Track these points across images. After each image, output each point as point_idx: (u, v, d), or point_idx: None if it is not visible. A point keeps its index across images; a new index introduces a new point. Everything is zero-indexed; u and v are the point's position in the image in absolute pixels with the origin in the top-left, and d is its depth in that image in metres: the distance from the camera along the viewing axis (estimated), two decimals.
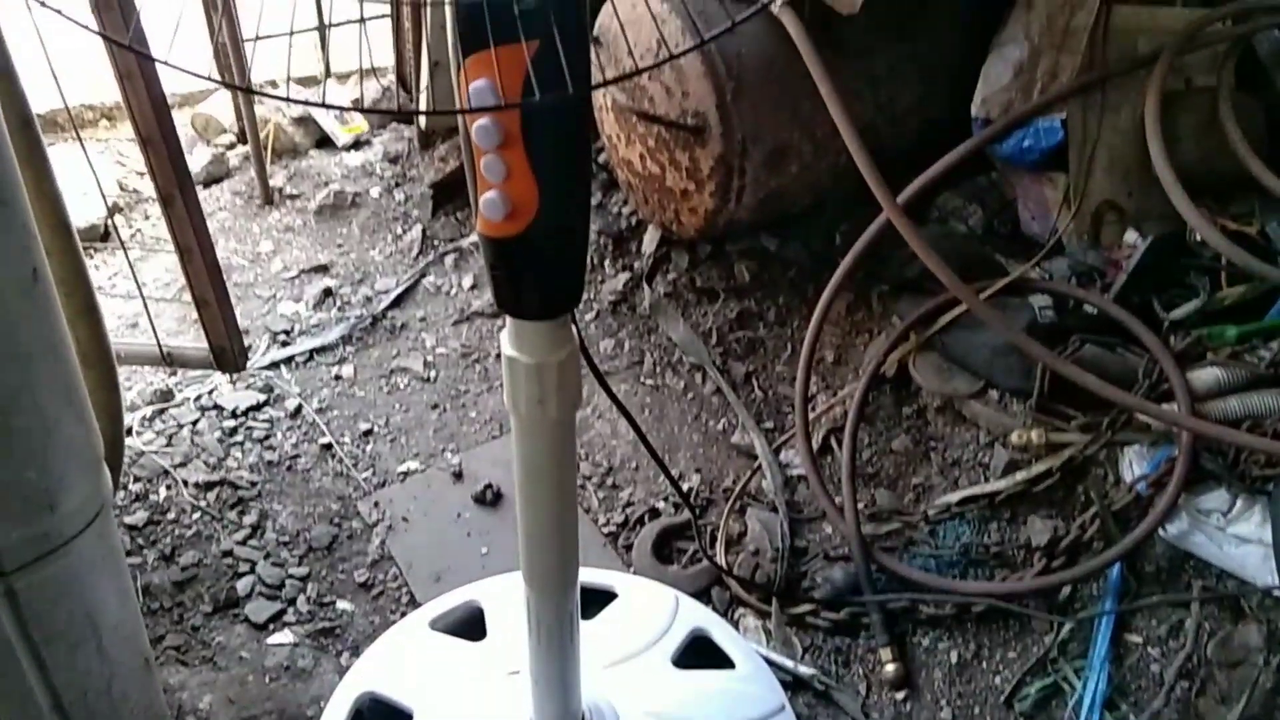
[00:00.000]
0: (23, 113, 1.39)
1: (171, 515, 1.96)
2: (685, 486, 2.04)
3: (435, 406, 2.25)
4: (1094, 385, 1.76)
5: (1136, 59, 2.06)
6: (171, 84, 1.76)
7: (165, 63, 0.78)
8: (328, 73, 3.21)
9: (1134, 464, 1.83)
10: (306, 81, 3.13)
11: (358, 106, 3.08)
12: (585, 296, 2.44)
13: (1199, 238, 1.96)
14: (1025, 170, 2.21)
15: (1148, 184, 2.00)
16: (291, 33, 0.84)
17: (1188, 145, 2.03)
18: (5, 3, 1.37)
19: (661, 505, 2.00)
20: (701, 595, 1.84)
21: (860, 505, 1.92)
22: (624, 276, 2.48)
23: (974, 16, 2.24)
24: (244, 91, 2.76)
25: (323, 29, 3.10)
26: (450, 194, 2.81)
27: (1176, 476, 1.73)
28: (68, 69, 1.70)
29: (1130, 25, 2.09)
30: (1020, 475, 1.89)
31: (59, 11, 0.78)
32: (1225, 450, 1.77)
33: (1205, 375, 1.80)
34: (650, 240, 2.52)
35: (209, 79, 1.02)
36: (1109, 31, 2.06)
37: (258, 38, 0.86)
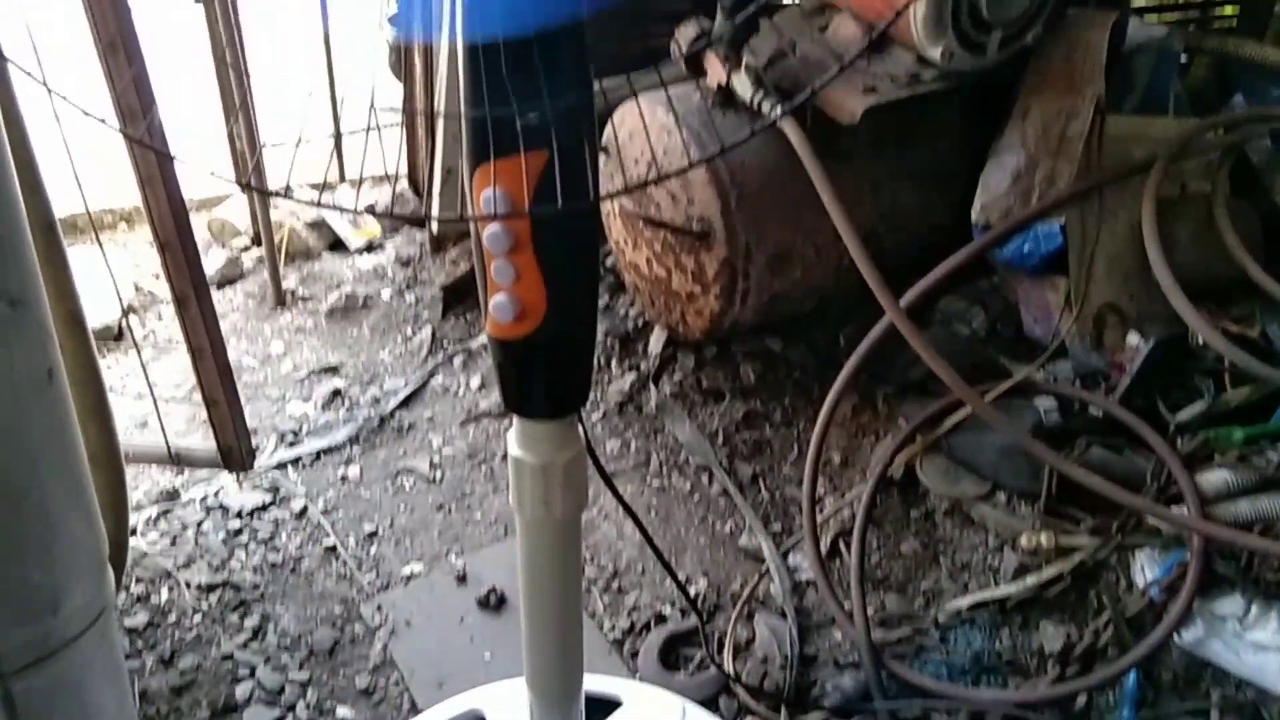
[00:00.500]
0: (45, 217, 1.43)
1: (172, 618, 1.94)
2: (692, 591, 2.02)
3: (440, 507, 2.24)
4: (1102, 488, 1.75)
5: (1131, 166, 2.10)
6: (189, 189, 1.81)
7: (187, 161, 0.81)
8: (341, 177, 3.30)
9: (1146, 568, 1.81)
10: (321, 188, 3.21)
11: (383, 211, 3.15)
12: (591, 397, 2.46)
13: (1201, 340, 1.97)
14: (1026, 274, 2.24)
15: (1148, 287, 2.03)
16: (297, 142, 0.87)
17: (1185, 249, 2.06)
18: (32, 109, 1.43)
19: (668, 610, 1.97)
20: (709, 703, 1.80)
21: (870, 610, 1.89)
22: (630, 377, 2.50)
23: (971, 125, 2.31)
24: (277, 195, 2.83)
25: (338, 136, 3.20)
26: (460, 296, 2.85)
27: (1190, 581, 1.71)
28: (89, 173, 1.76)
29: (1124, 134, 2.15)
30: (1031, 579, 1.86)
31: (102, 121, 0.81)
32: (1238, 554, 1.74)
33: (1214, 478, 1.80)
34: (656, 341, 2.54)
35: (244, 185, 1.06)
36: (1103, 140, 2.12)
37: (294, 144, 0.89)
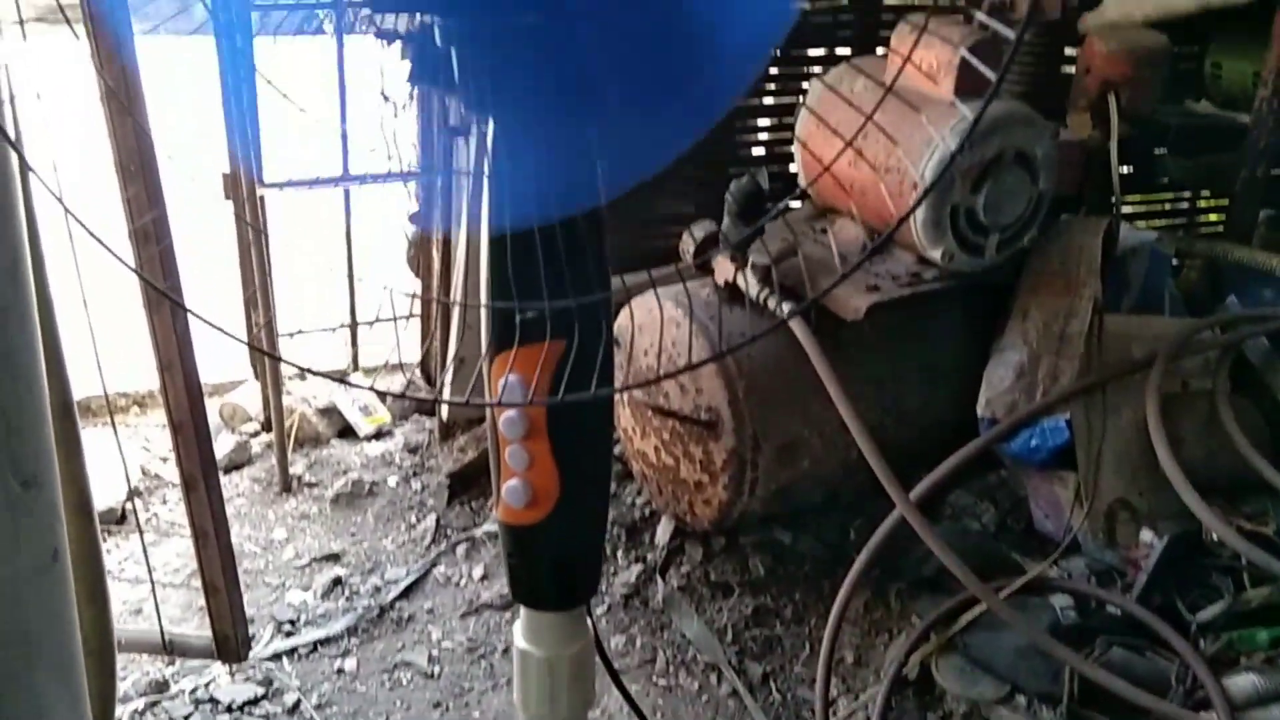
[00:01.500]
0: (65, 399, 1.45)
1: None
2: None
3: (438, 705, 2.16)
4: (1127, 692, 1.69)
5: (1133, 363, 2.14)
6: (204, 374, 1.85)
7: (230, 334, 0.83)
8: (355, 366, 3.36)
9: None
10: (334, 375, 3.27)
11: (400, 392, 3.19)
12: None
13: (1216, 537, 1.95)
14: (1035, 469, 2.24)
15: (1157, 483, 2.02)
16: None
17: (1192, 445, 2.07)
18: (59, 291, 1.48)
19: None
20: None
21: None
22: (637, 568, 2.46)
23: (973, 322, 2.36)
24: (305, 371, 2.87)
25: (354, 325, 3.28)
26: (467, 484, 2.84)
27: None
28: (105, 356, 1.80)
29: (1123, 332, 2.20)
30: None
31: (165, 293, 0.83)
32: None
33: (1242, 682, 1.73)
34: (664, 531, 2.51)
35: (272, 356, 1.08)
36: (1103, 338, 2.17)
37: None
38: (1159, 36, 2.65)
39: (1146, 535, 2.04)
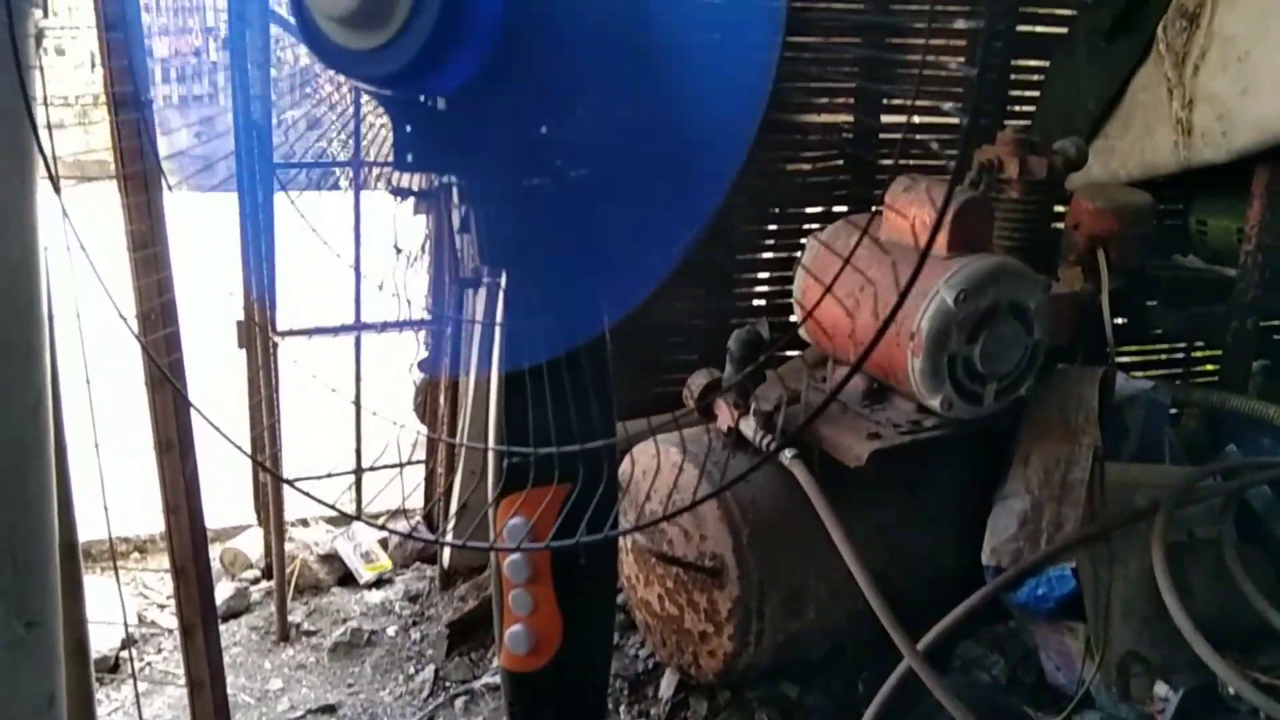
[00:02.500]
0: (71, 540, 1.46)
1: None
2: None
3: None
4: None
5: (1135, 512, 2.14)
6: (207, 518, 1.86)
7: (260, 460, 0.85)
8: (359, 514, 3.35)
9: None
10: (336, 521, 3.26)
11: (406, 533, 3.17)
12: None
13: (1232, 690, 1.90)
14: (1043, 619, 2.21)
15: (1168, 634, 1.99)
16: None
17: (1201, 595, 2.04)
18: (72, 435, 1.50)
19: None
20: None
21: None
22: None
23: (975, 469, 2.37)
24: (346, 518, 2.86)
25: (359, 471, 3.29)
26: (466, 633, 2.79)
27: None
28: (110, 502, 1.81)
29: (1125, 480, 2.21)
30: None
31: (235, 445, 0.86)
32: None
33: None
34: (668, 684, 2.45)
35: (289, 482, 1.09)
36: (1105, 486, 2.17)
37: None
38: (1143, 194, 2.75)
39: (1161, 689, 1.99)
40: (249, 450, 2.66)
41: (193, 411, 1.83)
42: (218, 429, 0.93)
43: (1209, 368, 3.47)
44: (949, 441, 2.28)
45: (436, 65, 0.93)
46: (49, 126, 1.51)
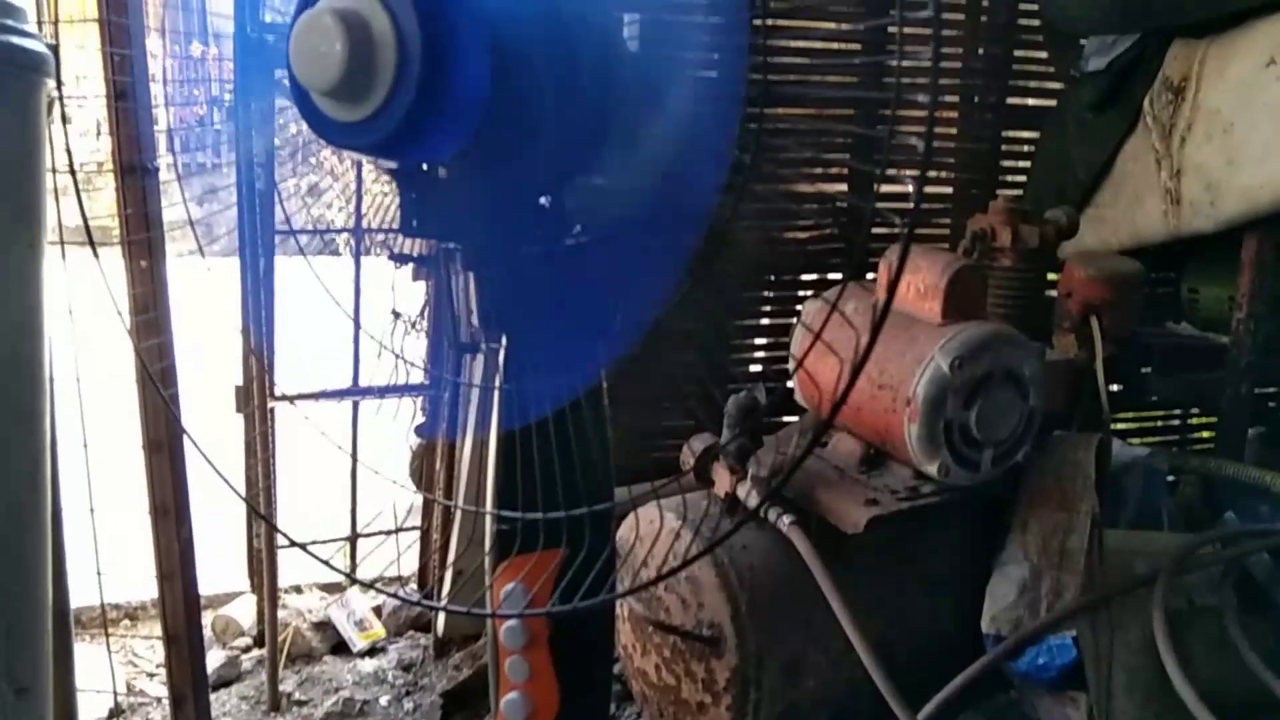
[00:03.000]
0: (63, 607, 1.44)
1: None
2: None
3: None
4: None
5: (1135, 580, 2.13)
6: (200, 585, 1.85)
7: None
8: (352, 580, 3.32)
9: None
10: (331, 588, 3.23)
11: (405, 598, 3.14)
12: None
13: None
14: (1045, 689, 2.18)
15: (1173, 706, 1.96)
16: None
17: (1203, 664, 2.02)
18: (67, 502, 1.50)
19: None
20: None
21: None
22: None
23: (974, 534, 2.36)
24: (353, 583, 2.84)
25: (354, 538, 3.27)
26: (461, 703, 2.75)
27: None
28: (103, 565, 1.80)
29: (1124, 547, 2.20)
30: None
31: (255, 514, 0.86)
32: None
33: None
34: None
35: (301, 545, 1.09)
36: (1104, 553, 2.16)
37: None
38: (1134, 263, 2.79)
39: None
40: (260, 508, 2.65)
41: (188, 477, 1.83)
42: (234, 489, 0.93)
43: (1205, 434, 3.48)
44: (947, 508, 2.28)
45: (420, 137, 0.96)
46: (55, 192, 1.54)
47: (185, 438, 1.79)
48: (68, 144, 1.36)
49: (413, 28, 0.92)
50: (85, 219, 1.24)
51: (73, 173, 1.31)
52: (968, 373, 2.14)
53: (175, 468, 1.75)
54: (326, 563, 0.97)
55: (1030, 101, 3.40)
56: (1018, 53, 3.31)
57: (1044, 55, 3.34)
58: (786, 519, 2.12)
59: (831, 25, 3.15)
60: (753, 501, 2.17)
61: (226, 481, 0.96)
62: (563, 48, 1.00)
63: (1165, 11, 2.81)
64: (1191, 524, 2.67)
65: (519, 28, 0.98)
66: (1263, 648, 2.03)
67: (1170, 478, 2.86)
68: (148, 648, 3.02)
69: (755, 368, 3.19)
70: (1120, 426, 3.37)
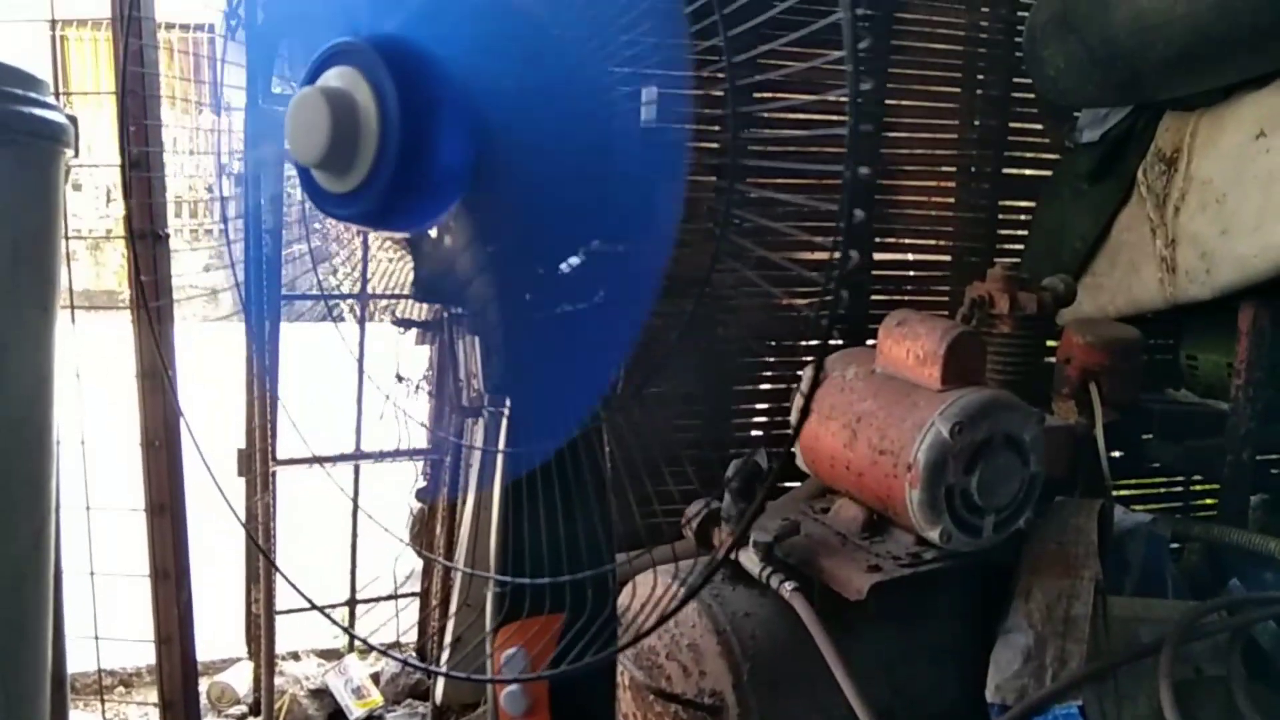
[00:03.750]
0: (60, 673, 1.44)
1: None
2: None
3: None
4: None
5: (1140, 648, 2.11)
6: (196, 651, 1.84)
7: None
8: (351, 646, 3.29)
9: None
10: (328, 654, 3.20)
11: (404, 660, 3.10)
12: None
13: None
14: None
15: None
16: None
17: None
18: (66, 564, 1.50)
19: None
20: None
21: None
22: None
23: (977, 601, 2.35)
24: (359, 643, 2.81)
25: (353, 603, 3.25)
26: None
27: None
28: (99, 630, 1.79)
29: (1128, 615, 2.18)
30: None
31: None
32: None
33: None
34: None
35: (314, 605, 1.08)
36: (1109, 620, 2.15)
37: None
38: (1131, 330, 2.81)
39: None
40: (262, 565, 2.63)
41: (189, 544, 1.83)
42: (261, 549, 0.94)
43: (1208, 501, 3.47)
44: (950, 574, 2.26)
45: (405, 206, 1.01)
46: (68, 257, 1.57)
47: (184, 502, 1.80)
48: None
49: (393, 103, 0.97)
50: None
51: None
52: (968, 438, 2.15)
53: (177, 531, 1.75)
54: (340, 624, 0.97)
55: (1026, 172, 3.47)
56: (1013, 125, 3.39)
57: (1039, 127, 3.42)
58: (789, 586, 2.11)
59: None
60: (754, 568, 2.16)
61: (250, 534, 0.97)
62: (551, 124, 1.03)
63: (1155, 86, 2.88)
64: (1196, 591, 2.65)
65: (504, 101, 1.02)
66: (1272, 718, 2.01)
67: (1173, 545, 2.85)
68: (142, 715, 2.98)
69: (755, 433, 3.20)
70: (1122, 493, 3.36)
